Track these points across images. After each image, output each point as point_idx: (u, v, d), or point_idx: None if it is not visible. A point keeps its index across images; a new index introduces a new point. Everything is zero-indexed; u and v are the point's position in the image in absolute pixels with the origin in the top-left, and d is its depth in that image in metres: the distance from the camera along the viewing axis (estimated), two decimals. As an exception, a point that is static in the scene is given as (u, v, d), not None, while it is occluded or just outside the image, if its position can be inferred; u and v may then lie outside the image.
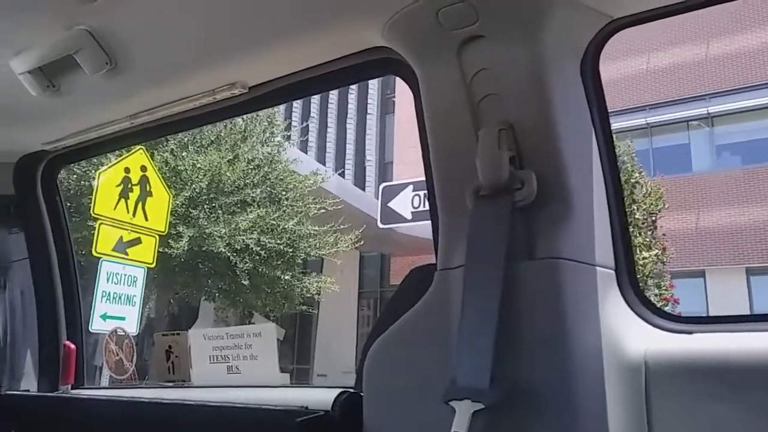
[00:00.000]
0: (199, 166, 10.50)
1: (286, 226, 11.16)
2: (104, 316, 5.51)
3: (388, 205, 10.10)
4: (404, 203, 9.87)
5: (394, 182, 12.22)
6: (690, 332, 1.21)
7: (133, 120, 1.77)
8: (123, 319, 5.70)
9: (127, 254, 5.98)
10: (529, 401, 1.13)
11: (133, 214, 6.13)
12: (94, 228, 5.82)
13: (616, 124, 13.06)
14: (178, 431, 1.57)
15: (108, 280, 5.78)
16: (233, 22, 1.42)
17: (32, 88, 1.62)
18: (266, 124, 11.92)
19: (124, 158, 6.29)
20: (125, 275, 5.93)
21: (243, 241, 10.57)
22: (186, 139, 10.85)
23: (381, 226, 10.39)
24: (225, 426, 1.51)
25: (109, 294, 5.74)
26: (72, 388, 2.09)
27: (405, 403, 1.29)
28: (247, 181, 11.06)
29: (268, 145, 11.85)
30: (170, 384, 2.06)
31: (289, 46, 1.46)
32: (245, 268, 10.81)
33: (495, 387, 1.10)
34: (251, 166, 11.21)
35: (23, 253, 2.17)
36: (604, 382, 1.14)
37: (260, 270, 11.13)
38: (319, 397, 1.50)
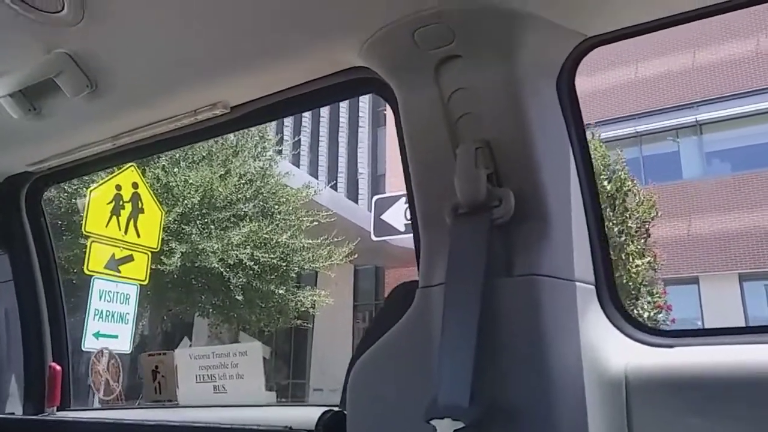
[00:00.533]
0: (191, 182, 10.49)
1: (279, 240, 11.12)
2: (97, 335, 5.43)
3: (381, 217, 10.09)
4: (397, 215, 9.87)
5: (386, 194, 12.19)
6: (671, 346, 1.21)
7: (115, 141, 1.78)
8: (116, 337, 5.63)
9: (119, 272, 5.94)
10: (509, 418, 1.13)
11: (125, 231, 6.09)
12: (86, 246, 5.80)
13: (606, 133, 13.08)
14: None
15: (101, 298, 5.74)
16: (214, 44, 1.43)
17: (13, 112, 1.62)
18: (258, 138, 11.93)
19: (115, 175, 6.25)
20: (118, 293, 5.89)
21: (236, 256, 10.55)
22: (177, 155, 10.86)
23: (374, 238, 10.38)
24: None
25: (102, 312, 5.69)
26: (58, 410, 2.08)
27: (388, 421, 1.29)
28: (239, 195, 11.04)
29: (260, 160, 11.86)
30: (156, 404, 2.05)
31: (269, 66, 1.47)
32: (238, 283, 10.77)
33: (475, 405, 1.10)
34: (243, 181, 11.19)
35: (7, 275, 2.16)
36: (585, 398, 1.14)
37: (254, 285, 11.06)
38: (304, 415, 1.49)
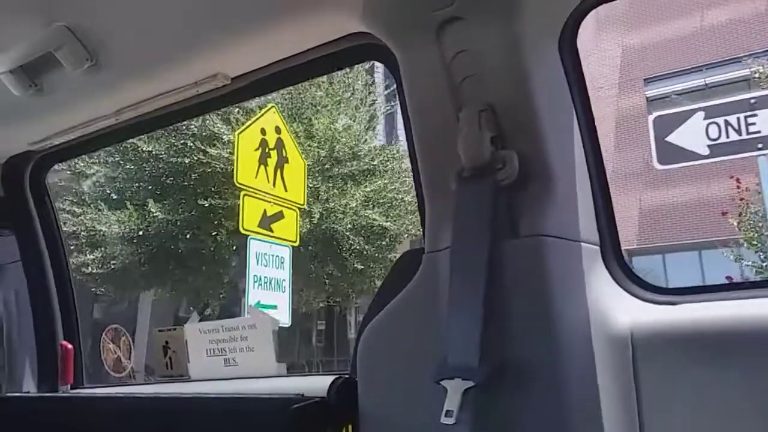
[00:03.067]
0: (316, 130, 9.02)
1: (404, 199, 9.67)
2: (258, 305, 4.66)
3: (667, 139, 8.58)
4: (693, 135, 8.36)
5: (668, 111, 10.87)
6: (674, 303, 1.22)
7: (118, 116, 1.77)
8: (275, 307, 4.87)
9: (271, 231, 5.04)
10: (519, 377, 1.14)
11: (273, 184, 5.17)
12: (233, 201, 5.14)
13: (672, 87, 12.16)
14: (177, 424, 1.58)
15: (258, 262, 4.89)
16: (212, 14, 1.42)
17: (14, 88, 1.62)
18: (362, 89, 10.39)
19: (258, 117, 5.29)
20: (273, 256, 5.01)
21: (368, 217, 9.08)
22: (291, 103, 9.39)
23: (660, 167, 9.03)
24: (222, 416, 1.52)
25: (260, 278, 4.86)
26: (72, 388, 2.10)
27: (398, 385, 1.31)
28: (357, 149, 9.60)
29: (367, 111, 10.35)
30: (168, 379, 2.07)
31: (268, 35, 1.46)
32: (355, 249, 9.28)
33: (484, 365, 1.11)
34: (363, 131, 9.79)
35: (15, 255, 2.17)
36: (593, 357, 1.15)
37: (367, 251, 9.53)
38: (316, 384, 1.51)
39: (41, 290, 2.17)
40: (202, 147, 9.32)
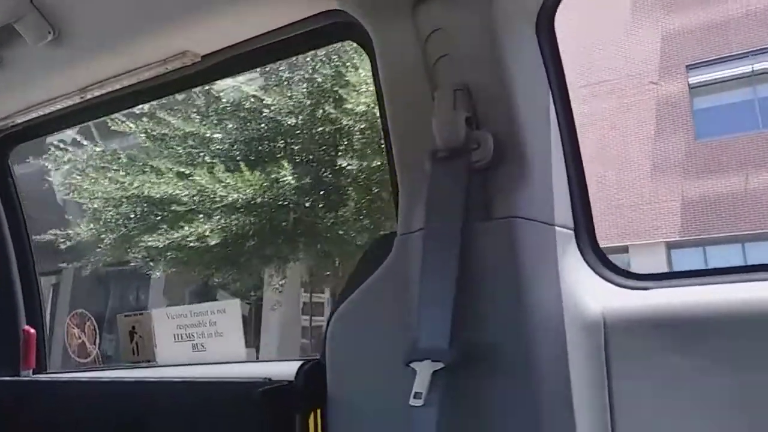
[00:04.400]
0: None
1: None
2: None
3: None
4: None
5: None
6: (646, 288, 1.22)
7: (83, 94, 1.71)
8: None
9: None
10: (489, 360, 1.13)
11: None
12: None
13: (715, 74, 11.28)
14: (142, 408, 1.55)
15: None
16: None
17: None
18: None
19: None
20: None
21: None
22: None
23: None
24: (188, 401, 1.49)
25: None
26: (34, 373, 2.05)
27: (367, 368, 1.29)
28: None
29: None
30: (135, 365, 2.03)
31: (239, 11, 1.42)
32: None
33: (454, 346, 1.10)
34: None
35: None
36: (565, 340, 1.15)
37: None
38: (284, 369, 1.48)
39: (3, 274, 2.11)
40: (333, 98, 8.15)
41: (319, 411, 1.34)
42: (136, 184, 8.92)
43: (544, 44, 1.26)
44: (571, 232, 1.26)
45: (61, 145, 9.82)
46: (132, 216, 9.29)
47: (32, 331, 2.08)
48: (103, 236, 9.63)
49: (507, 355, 1.14)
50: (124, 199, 9.22)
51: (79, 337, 2.18)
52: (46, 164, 9.98)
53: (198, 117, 9.02)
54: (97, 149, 9.72)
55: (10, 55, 1.58)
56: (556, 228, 1.21)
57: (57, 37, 1.48)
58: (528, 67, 1.23)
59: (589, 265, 1.26)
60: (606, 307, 1.18)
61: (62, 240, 9.98)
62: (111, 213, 9.43)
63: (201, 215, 8.51)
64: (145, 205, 9.10)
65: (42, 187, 10.48)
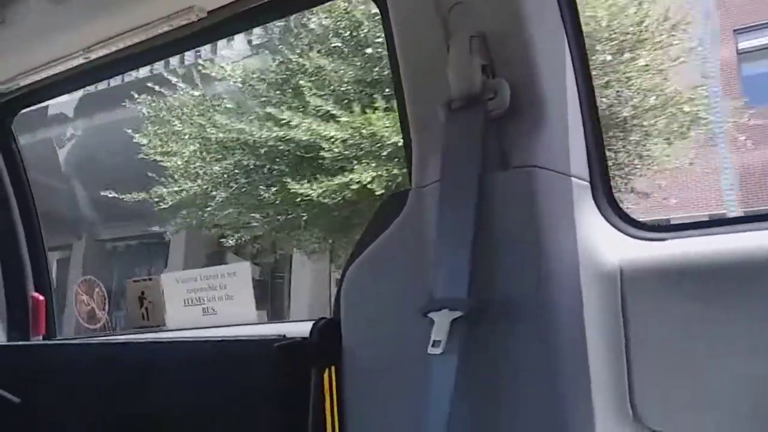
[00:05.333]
0: None
1: None
2: None
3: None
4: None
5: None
6: (663, 239, 1.21)
7: (87, 54, 1.69)
8: None
9: None
10: (507, 309, 1.12)
11: None
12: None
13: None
14: (156, 369, 1.55)
15: None
16: None
17: None
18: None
19: None
20: None
21: None
22: None
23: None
24: (203, 361, 1.49)
25: None
26: (44, 339, 2.05)
27: (382, 323, 1.28)
28: None
29: None
30: (144, 330, 2.03)
31: None
32: None
33: (473, 296, 1.09)
34: None
35: None
36: (581, 291, 1.14)
37: None
38: (297, 328, 1.48)
39: (10, 241, 2.10)
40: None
41: (333, 368, 1.34)
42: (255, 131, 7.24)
43: None
44: (587, 184, 1.25)
45: (157, 87, 8.30)
46: (253, 166, 7.59)
47: (41, 297, 2.08)
48: (213, 193, 7.90)
49: (524, 304, 1.13)
50: (236, 149, 7.62)
51: (88, 304, 2.19)
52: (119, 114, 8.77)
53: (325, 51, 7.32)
54: (196, 93, 8.24)
55: (12, 14, 1.55)
56: (573, 179, 1.20)
57: None
58: (544, 14, 1.20)
59: (604, 217, 1.25)
60: (622, 259, 1.18)
61: (156, 201, 8.28)
62: (224, 164, 7.78)
63: (356, 162, 6.85)
64: (271, 152, 7.41)
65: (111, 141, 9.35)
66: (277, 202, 7.46)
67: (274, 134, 7.18)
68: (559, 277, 1.13)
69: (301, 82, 7.19)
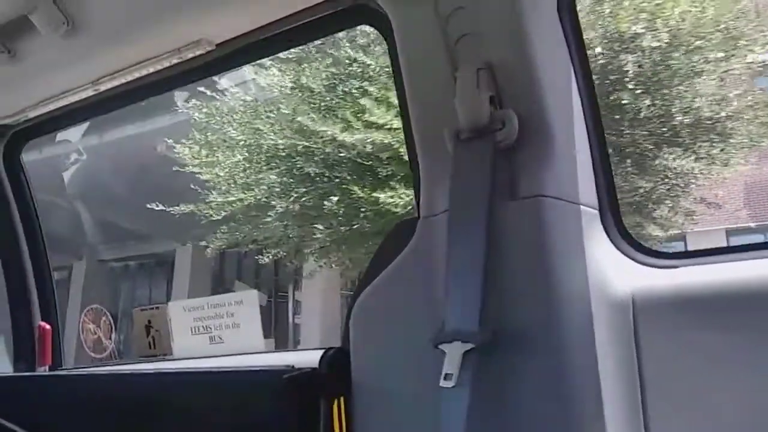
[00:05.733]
0: None
1: None
2: None
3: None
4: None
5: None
6: (675, 267, 1.21)
7: (96, 86, 1.70)
8: None
9: None
10: (518, 341, 1.12)
11: None
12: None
13: None
14: (164, 400, 1.54)
15: None
16: None
17: None
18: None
19: None
20: None
21: None
22: None
23: None
24: (211, 391, 1.48)
25: None
26: (50, 370, 2.04)
27: (392, 353, 1.28)
28: None
29: None
30: (151, 359, 2.02)
31: None
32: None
33: (484, 327, 1.08)
34: None
35: None
36: (593, 320, 1.13)
37: None
38: (305, 358, 1.47)
39: (17, 271, 2.10)
40: None
41: (342, 398, 1.33)
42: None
43: (565, 21, 1.24)
44: (596, 212, 1.25)
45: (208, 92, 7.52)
46: (313, 174, 6.95)
47: (47, 327, 2.08)
48: (274, 203, 7.25)
49: (535, 335, 1.12)
50: (293, 156, 6.98)
51: (95, 333, 2.18)
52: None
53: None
54: (248, 98, 7.62)
55: (24, 47, 1.57)
56: (582, 207, 1.20)
57: (71, 28, 1.47)
58: (550, 45, 1.21)
59: (615, 245, 1.25)
60: (634, 287, 1.17)
61: (205, 214, 7.60)
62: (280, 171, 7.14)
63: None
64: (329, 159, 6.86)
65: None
66: (341, 211, 6.91)
67: (357, 137, 6.48)
68: (570, 307, 1.13)
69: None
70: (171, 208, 7.80)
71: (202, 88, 7.57)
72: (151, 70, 1.63)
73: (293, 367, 1.38)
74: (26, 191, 2.15)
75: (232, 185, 7.50)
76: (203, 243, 8.57)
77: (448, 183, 1.21)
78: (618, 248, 1.25)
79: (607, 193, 1.27)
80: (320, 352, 1.41)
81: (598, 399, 1.10)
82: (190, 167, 7.65)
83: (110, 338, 2.07)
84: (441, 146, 1.24)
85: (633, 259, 1.25)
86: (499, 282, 1.13)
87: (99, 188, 10.46)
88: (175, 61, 1.58)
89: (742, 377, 1.06)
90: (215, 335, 1.87)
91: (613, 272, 1.20)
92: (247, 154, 7.34)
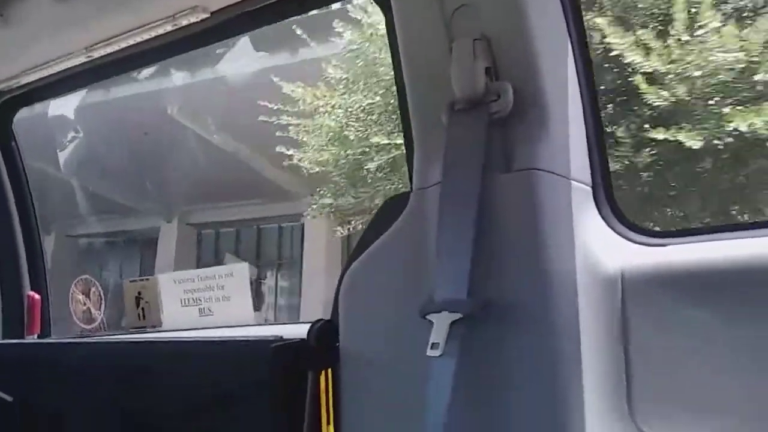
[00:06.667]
0: None
1: None
2: None
3: None
4: None
5: None
6: (665, 245, 1.21)
7: (90, 53, 1.69)
8: None
9: None
10: (506, 312, 1.12)
11: None
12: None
13: None
14: (152, 368, 1.54)
15: None
16: None
17: None
18: None
19: None
20: None
21: None
22: None
23: None
24: (199, 361, 1.48)
25: None
26: (38, 338, 2.04)
27: (380, 325, 1.28)
28: None
29: None
30: (140, 330, 2.02)
31: None
32: None
33: (472, 298, 1.08)
34: None
35: None
36: (582, 296, 1.14)
37: None
38: (294, 331, 1.47)
39: (7, 239, 2.10)
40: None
41: (330, 370, 1.33)
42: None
43: None
44: (589, 188, 1.25)
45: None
46: None
47: (36, 296, 2.07)
48: None
49: (524, 309, 1.12)
50: None
51: (84, 303, 2.18)
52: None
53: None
54: None
55: (16, 12, 1.56)
56: (575, 183, 1.20)
57: None
58: (547, 16, 1.20)
59: (606, 222, 1.25)
60: (624, 264, 1.17)
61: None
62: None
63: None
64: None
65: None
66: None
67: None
68: (559, 280, 1.13)
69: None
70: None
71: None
72: (146, 37, 1.61)
73: (281, 337, 1.38)
74: (17, 160, 2.13)
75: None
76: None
77: (442, 155, 1.20)
78: (609, 225, 1.25)
79: (601, 170, 1.27)
80: (306, 326, 1.41)
81: (585, 373, 1.11)
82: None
83: (99, 309, 2.07)
84: (436, 118, 1.23)
85: (623, 236, 1.24)
86: (489, 254, 1.13)
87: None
88: (169, 28, 1.57)
89: (728, 354, 1.07)
90: (205, 307, 1.87)
91: (603, 248, 1.20)
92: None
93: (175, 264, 10.92)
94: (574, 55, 1.24)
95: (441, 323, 1.08)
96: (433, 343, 1.07)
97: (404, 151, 1.39)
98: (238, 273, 1.82)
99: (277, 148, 7.04)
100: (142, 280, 2.05)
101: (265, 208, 10.39)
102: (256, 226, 11.41)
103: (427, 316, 1.10)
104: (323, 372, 1.33)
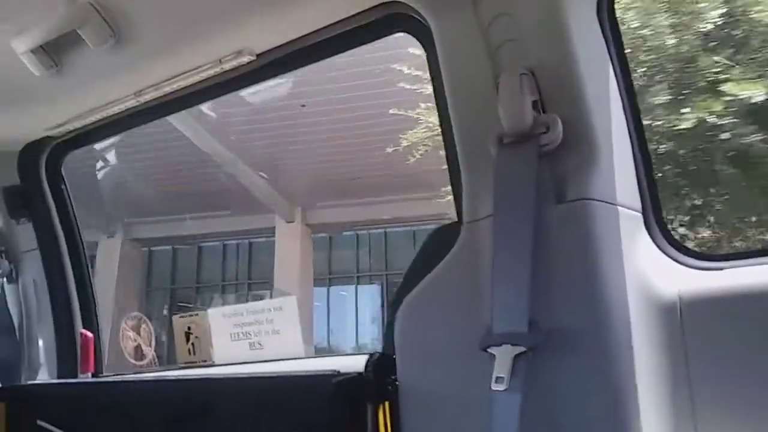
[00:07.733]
0: None
1: None
2: None
3: None
4: None
5: None
6: (720, 269, 1.21)
7: (138, 97, 1.74)
8: None
9: None
10: (565, 343, 1.12)
11: None
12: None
13: None
14: (210, 406, 1.56)
15: None
16: None
17: (35, 69, 1.59)
18: None
19: None
20: None
21: None
22: None
23: None
24: (257, 397, 1.50)
25: None
26: (93, 377, 2.08)
27: (439, 357, 1.29)
28: None
29: None
30: (191, 365, 2.05)
31: (294, 7, 1.44)
32: None
33: (533, 330, 1.09)
34: None
35: (33, 243, 2.14)
36: (638, 322, 1.14)
37: None
38: (347, 362, 1.49)
39: (59, 278, 2.15)
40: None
41: (387, 403, 1.34)
42: None
43: (605, 24, 1.25)
44: (640, 215, 1.25)
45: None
46: None
47: (89, 334, 2.12)
48: None
49: (583, 338, 1.13)
50: None
51: (135, 340, 2.22)
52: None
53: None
54: None
55: (71, 60, 1.62)
56: (626, 210, 1.20)
57: (117, 41, 1.51)
58: (591, 47, 1.22)
59: (659, 247, 1.25)
60: (680, 289, 1.17)
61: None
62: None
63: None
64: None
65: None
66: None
67: None
68: (617, 308, 1.13)
69: None
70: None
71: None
72: (193, 80, 1.66)
73: (338, 372, 1.40)
74: (66, 201, 2.19)
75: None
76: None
77: (491, 188, 1.22)
78: (662, 250, 1.25)
79: (650, 195, 1.28)
80: (358, 358, 1.42)
81: (640, 398, 1.10)
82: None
83: (150, 345, 2.11)
84: (483, 152, 1.25)
85: (677, 261, 1.25)
86: (545, 284, 1.14)
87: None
88: (216, 71, 1.62)
89: None
90: (255, 341, 1.89)
91: (658, 274, 1.20)
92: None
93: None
94: (617, 82, 1.25)
95: (504, 356, 1.08)
96: (497, 377, 1.07)
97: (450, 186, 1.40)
98: (286, 307, 1.85)
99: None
100: (191, 315, 2.09)
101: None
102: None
103: (489, 349, 1.11)
104: (381, 405, 1.34)
